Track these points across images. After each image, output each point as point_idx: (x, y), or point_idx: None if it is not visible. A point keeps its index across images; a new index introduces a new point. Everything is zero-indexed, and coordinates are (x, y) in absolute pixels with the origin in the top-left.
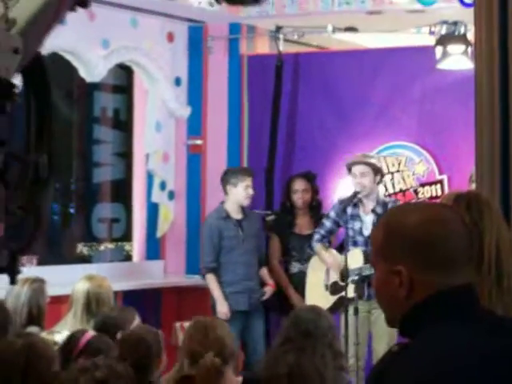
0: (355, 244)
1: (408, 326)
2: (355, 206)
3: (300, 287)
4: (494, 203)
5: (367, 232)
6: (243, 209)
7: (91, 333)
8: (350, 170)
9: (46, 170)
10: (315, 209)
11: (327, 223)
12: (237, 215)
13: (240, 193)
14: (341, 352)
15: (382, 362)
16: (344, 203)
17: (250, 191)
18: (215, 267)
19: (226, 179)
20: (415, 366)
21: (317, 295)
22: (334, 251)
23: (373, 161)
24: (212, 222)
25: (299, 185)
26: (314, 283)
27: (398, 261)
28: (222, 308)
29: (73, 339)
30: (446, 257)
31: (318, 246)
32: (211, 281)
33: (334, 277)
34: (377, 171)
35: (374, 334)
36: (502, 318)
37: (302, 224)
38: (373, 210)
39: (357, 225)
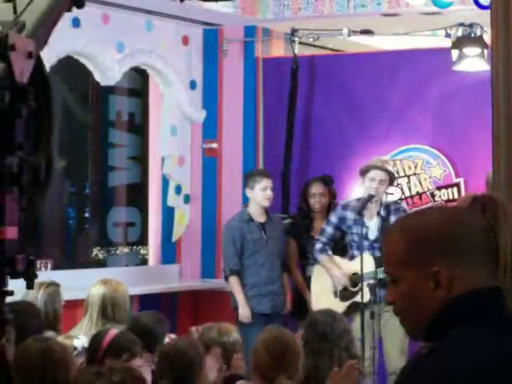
0: (360, 248)
1: (435, 330)
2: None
3: None
4: (509, 206)
5: (373, 236)
6: (267, 212)
7: (114, 331)
8: (366, 172)
9: (46, 173)
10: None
11: (328, 229)
12: (260, 218)
13: (258, 195)
14: (357, 356)
15: (411, 363)
16: (360, 207)
17: (269, 192)
18: (239, 269)
19: (245, 183)
20: (441, 368)
21: (324, 303)
22: (338, 259)
23: (391, 169)
24: (234, 225)
25: (316, 188)
26: (319, 291)
27: (430, 263)
28: (245, 312)
29: (97, 339)
30: (472, 251)
31: (322, 259)
32: (234, 284)
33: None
34: (392, 180)
35: (386, 337)
36: None
37: (320, 228)
38: (378, 213)
39: (362, 230)
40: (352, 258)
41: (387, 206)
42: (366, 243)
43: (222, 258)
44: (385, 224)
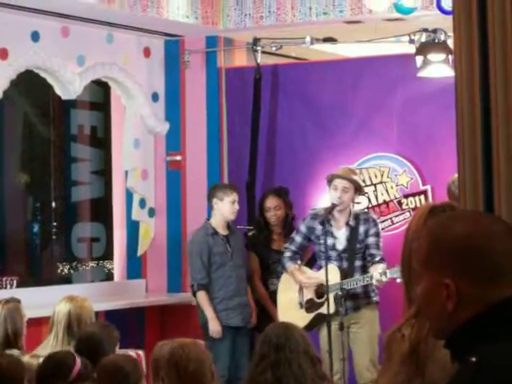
0: (328, 259)
1: (460, 344)
2: (327, 221)
3: None
4: None
5: (341, 246)
6: (228, 224)
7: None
8: (330, 181)
9: None
10: (289, 225)
11: (298, 238)
12: (223, 231)
13: (226, 207)
14: (318, 358)
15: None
16: (321, 217)
17: (236, 206)
18: (207, 284)
19: (212, 193)
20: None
21: (290, 315)
22: (307, 269)
23: (356, 178)
24: (200, 239)
25: (271, 202)
26: (286, 303)
27: (444, 273)
28: (216, 327)
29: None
30: (493, 269)
31: (290, 267)
32: (203, 299)
33: (309, 294)
34: (357, 189)
35: (356, 350)
36: None
37: (279, 240)
38: (347, 223)
39: (329, 240)
40: (320, 268)
41: (356, 216)
42: (333, 254)
43: (189, 273)
44: (354, 234)
